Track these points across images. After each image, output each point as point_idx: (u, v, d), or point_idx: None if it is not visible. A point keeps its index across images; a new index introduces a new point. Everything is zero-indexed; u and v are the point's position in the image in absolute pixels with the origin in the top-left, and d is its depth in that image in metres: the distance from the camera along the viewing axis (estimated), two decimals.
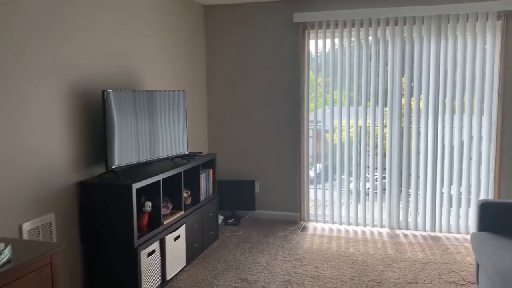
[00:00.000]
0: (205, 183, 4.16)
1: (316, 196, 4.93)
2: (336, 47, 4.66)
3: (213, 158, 4.32)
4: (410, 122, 4.54)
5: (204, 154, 4.36)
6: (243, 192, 4.98)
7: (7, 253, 2.00)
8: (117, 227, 2.95)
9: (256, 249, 4.06)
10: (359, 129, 4.66)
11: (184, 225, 3.62)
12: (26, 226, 2.56)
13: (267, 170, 5.02)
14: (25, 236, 2.54)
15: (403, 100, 4.56)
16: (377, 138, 4.65)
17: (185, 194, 3.81)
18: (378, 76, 4.57)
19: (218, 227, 4.43)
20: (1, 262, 1.95)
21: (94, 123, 3.15)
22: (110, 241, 2.98)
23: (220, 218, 4.78)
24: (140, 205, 3.18)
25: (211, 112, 5.17)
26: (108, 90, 3.03)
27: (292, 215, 4.95)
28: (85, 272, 3.06)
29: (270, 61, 4.88)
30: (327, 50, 4.66)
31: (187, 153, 3.99)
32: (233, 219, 4.89)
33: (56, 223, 2.80)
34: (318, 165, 5.05)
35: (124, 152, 3.20)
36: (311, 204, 4.98)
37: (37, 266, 2.09)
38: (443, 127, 4.44)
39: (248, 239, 4.34)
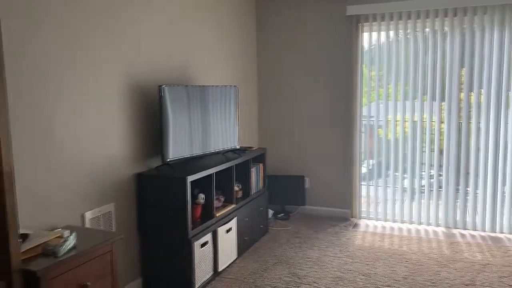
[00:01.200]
0: (256, 177, 4.19)
1: (369, 193, 4.83)
2: (390, 39, 4.53)
3: (263, 153, 4.34)
4: (469, 117, 4.34)
5: (254, 148, 4.39)
6: (293, 187, 4.97)
7: (72, 240, 2.12)
8: (172, 218, 3.05)
9: (306, 244, 4.05)
10: (414, 124, 4.52)
11: (235, 218, 3.68)
12: (88, 215, 2.70)
13: (317, 165, 4.98)
14: (87, 224, 2.68)
15: (462, 94, 4.37)
16: (433, 134, 4.48)
17: (236, 188, 3.86)
18: (435, 69, 4.40)
19: (267, 221, 4.46)
20: (67, 248, 2.07)
21: (150, 117, 3.26)
22: (165, 231, 3.08)
23: (270, 212, 4.80)
24: (194, 197, 3.26)
25: (262, 107, 5.20)
26: (164, 86, 3.12)
27: (342, 212, 4.89)
28: (141, 260, 3.18)
29: (322, 55, 4.82)
30: (381, 43, 4.54)
31: (238, 147, 4.04)
32: (282, 214, 4.90)
33: (115, 212, 2.93)
34: (370, 161, 4.94)
35: (178, 146, 3.29)
36: (363, 201, 4.88)
37: (99, 253, 2.20)
38: (506, 123, 4.20)
39: (297, 234, 4.33)
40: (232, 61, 4.57)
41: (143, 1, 3.16)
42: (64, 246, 2.05)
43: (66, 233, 2.25)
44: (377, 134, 4.73)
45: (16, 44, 2.22)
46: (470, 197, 4.42)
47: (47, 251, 2.03)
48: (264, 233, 4.33)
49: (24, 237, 2.09)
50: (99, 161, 2.81)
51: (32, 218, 2.32)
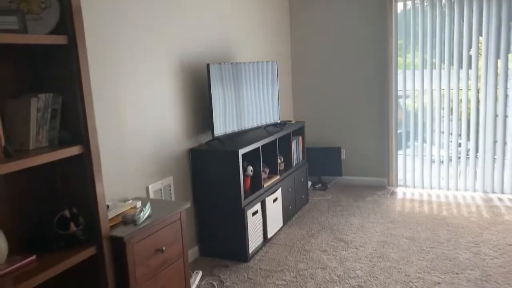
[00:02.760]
0: (296, 149, 4.34)
1: (405, 161, 4.93)
2: (425, 5, 4.53)
3: (302, 126, 4.47)
4: (496, 84, 4.36)
5: (293, 122, 4.52)
6: (329, 158, 5.10)
7: (147, 209, 2.32)
8: (225, 189, 3.23)
9: (347, 212, 4.21)
10: (450, 93, 4.56)
11: (280, 189, 3.85)
12: (152, 187, 2.91)
13: (353, 136, 5.09)
14: (152, 195, 2.89)
15: (499, 62, 4.37)
16: (470, 102, 4.52)
17: (279, 160, 4.02)
18: (470, 37, 4.40)
19: (308, 191, 4.62)
20: (144, 217, 2.27)
21: (198, 95, 3.41)
22: (219, 201, 3.27)
23: (308, 183, 4.96)
24: (242, 170, 3.43)
25: (296, 80, 5.29)
26: (211, 64, 3.26)
27: (379, 181, 5.01)
28: (197, 229, 3.40)
29: (356, 25, 4.87)
30: (410, 10, 4.55)
31: (278, 121, 4.17)
32: (320, 185, 5.05)
33: (174, 185, 3.13)
34: (402, 130, 5.02)
35: (226, 121, 3.44)
36: (400, 169, 4.99)
37: (171, 221, 2.40)
38: None
39: (337, 203, 4.49)
40: (268, 36, 4.66)
41: None
42: (141, 215, 2.25)
43: (138, 204, 2.45)
44: (413, 102, 4.79)
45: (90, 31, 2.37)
46: (508, 162, 4.47)
47: (127, 220, 2.24)
48: (305, 203, 4.50)
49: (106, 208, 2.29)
50: (159, 138, 2.99)
51: (107, 191, 2.52)
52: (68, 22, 1.85)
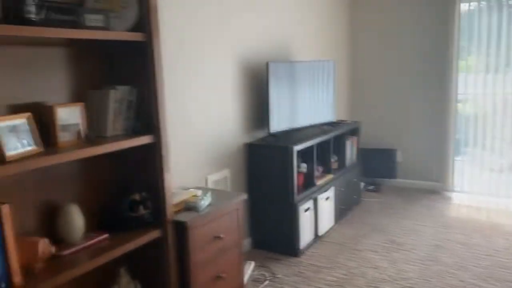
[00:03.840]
0: (350, 149, 4.35)
1: (463, 167, 4.79)
2: (491, 6, 4.38)
3: (357, 126, 4.47)
4: None
5: (348, 122, 4.53)
6: (384, 160, 5.06)
7: (208, 198, 2.45)
8: (278, 184, 3.32)
9: (400, 215, 4.17)
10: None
11: (332, 188, 3.88)
12: (211, 178, 3.05)
13: (409, 138, 5.02)
14: (210, 185, 3.03)
15: None
16: None
17: (332, 159, 4.05)
18: None
19: (360, 192, 4.61)
20: (205, 204, 2.41)
21: (255, 92, 3.52)
22: (272, 196, 3.37)
23: (361, 184, 4.94)
24: (296, 167, 3.50)
25: (352, 79, 5.29)
26: (270, 62, 3.36)
27: (435, 185, 4.91)
28: (250, 221, 3.51)
29: (417, 25, 4.79)
30: (475, 11, 4.42)
31: (334, 120, 4.20)
32: (373, 186, 5.02)
33: (230, 177, 3.26)
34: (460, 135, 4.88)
35: (281, 118, 3.53)
36: (457, 174, 4.86)
37: (229, 210, 2.52)
38: None
39: (390, 205, 4.46)
40: (326, 35, 4.69)
41: None
42: (203, 202, 2.38)
43: (199, 192, 2.59)
44: (474, 106, 4.65)
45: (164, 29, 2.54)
46: None
47: (189, 206, 2.38)
48: (357, 203, 4.50)
49: None
50: (219, 132, 3.13)
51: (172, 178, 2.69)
52: (145, 21, 2.01)
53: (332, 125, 4.15)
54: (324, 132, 3.85)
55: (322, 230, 3.70)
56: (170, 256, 2.19)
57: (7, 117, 1.63)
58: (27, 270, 1.67)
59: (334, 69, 4.13)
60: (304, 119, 3.81)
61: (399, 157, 5.08)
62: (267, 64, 3.34)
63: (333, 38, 4.86)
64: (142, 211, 2.11)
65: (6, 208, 1.55)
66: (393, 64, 4.99)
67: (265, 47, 3.63)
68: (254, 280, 3.01)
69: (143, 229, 2.10)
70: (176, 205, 2.37)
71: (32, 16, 1.61)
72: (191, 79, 2.85)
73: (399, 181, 5.12)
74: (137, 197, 2.11)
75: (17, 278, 1.59)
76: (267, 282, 2.98)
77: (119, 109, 2.05)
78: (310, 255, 3.37)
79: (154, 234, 2.12)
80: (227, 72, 3.20)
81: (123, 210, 2.08)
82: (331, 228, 3.86)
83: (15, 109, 1.78)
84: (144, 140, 2.06)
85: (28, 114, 1.71)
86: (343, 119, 4.97)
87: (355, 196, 4.44)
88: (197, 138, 2.94)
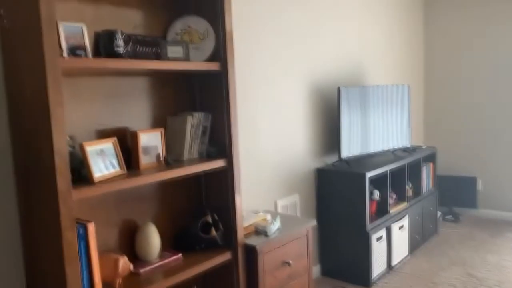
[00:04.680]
0: (426, 176, 4.16)
1: None
2: None
3: (434, 152, 4.28)
4: None
5: (424, 147, 4.36)
6: (463, 188, 4.77)
7: (278, 222, 2.47)
8: (350, 211, 3.25)
9: (481, 248, 3.89)
10: None
11: (407, 216, 3.72)
12: (280, 202, 3.07)
13: (491, 166, 4.70)
14: (279, 210, 3.05)
15: None
16: None
17: (407, 187, 3.90)
18: None
19: (437, 222, 4.38)
20: (275, 229, 2.42)
21: (326, 116, 3.52)
22: (343, 223, 3.30)
23: (438, 213, 4.69)
24: (369, 194, 3.41)
25: (428, 104, 5.09)
26: (342, 87, 3.35)
27: None
28: (320, 248, 3.46)
29: (494, 50, 4.54)
30: None
31: (408, 146, 4.06)
32: (451, 216, 4.74)
33: (300, 202, 3.26)
34: None
35: (353, 143, 3.48)
36: None
37: (298, 236, 2.51)
38: None
39: (471, 237, 4.17)
40: (400, 58, 4.59)
41: (322, 9, 3.43)
42: (272, 227, 2.40)
43: (268, 216, 2.62)
44: None
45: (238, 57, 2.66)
46: None
47: (259, 230, 2.41)
48: (433, 233, 4.27)
49: None
50: (289, 156, 3.16)
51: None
52: (221, 51, 2.11)
53: (406, 151, 4.01)
54: (398, 158, 3.73)
55: (395, 261, 3.54)
56: (240, 279, 2.22)
57: (96, 141, 1.78)
58: (107, 285, 1.78)
59: (409, 93, 4.01)
60: (377, 145, 3.72)
61: (479, 185, 4.76)
62: (338, 89, 3.33)
63: (408, 61, 4.74)
64: (213, 233, 2.17)
65: (91, 226, 1.68)
66: (471, 85, 4.74)
67: (336, 71, 3.63)
68: None
69: (214, 251, 2.16)
70: (246, 228, 2.40)
71: (120, 50, 1.76)
72: (261, 104, 2.92)
73: (480, 211, 4.78)
74: (209, 219, 2.18)
75: None
76: None
77: (195, 134, 2.15)
78: (382, 287, 3.24)
79: (225, 257, 2.17)
80: (297, 96, 3.23)
81: (196, 231, 2.15)
82: (405, 259, 3.69)
83: (102, 134, 1.94)
84: (217, 164, 2.14)
85: (113, 138, 1.85)
86: (418, 144, 4.78)
87: (431, 226, 4.22)
88: (267, 162, 2.99)
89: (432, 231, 4.24)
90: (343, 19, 3.68)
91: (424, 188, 4.10)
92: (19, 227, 1.77)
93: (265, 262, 2.29)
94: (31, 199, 1.68)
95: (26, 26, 1.52)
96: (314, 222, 2.63)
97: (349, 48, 3.78)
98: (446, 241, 4.09)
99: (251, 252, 2.25)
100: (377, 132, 3.72)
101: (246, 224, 2.45)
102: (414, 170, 3.98)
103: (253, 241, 2.30)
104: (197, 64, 2.05)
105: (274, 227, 2.43)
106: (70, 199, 1.54)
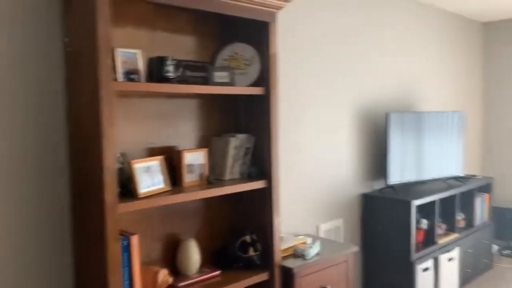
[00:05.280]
0: (480, 207, 3.98)
1: None
2: None
3: (490, 182, 4.09)
4: None
5: (479, 177, 4.17)
6: None
7: (317, 246, 2.47)
8: (395, 239, 3.18)
9: None
10: None
11: (457, 248, 3.57)
12: (322, 226, 3.06)
13: None
14: (321, 234, 3.04)
15: None
16: None
17: (458, 217, 3.74)
18: None
19: (492, 256, 4.14)
20: (314, 253, 2.43)
21: (373, 142, 3.48)
22: (387, 251, 3.23)
23: (494, 247, 4.44)
24: (416, 222, 3.32)
25: (485, 131, 4.88)
26: (390, 113, 3.31)
27: None
28: (364, 274, 3.39)
29: None
30: None
31: (461, 175, 3.91)
32: (509, 251, 4.47)
33: (343, 227, 3.23)
34: None
35: (401, 170, 3.41)
36: None
37: (338, 261, 2.50)
38: None
39: None
40: (456, 85, 4.46)
41: (370, 33, 3.44)
42: (311, 250, 2.41)
43: (308, 240, 2.62)
44: None
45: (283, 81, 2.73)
46: None
47: (297, 253, 2.42)
48: (487, 269, 4.04)
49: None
50: (333, 181, 3.15)
51: (282, 224, 2.77)
52: (265, 76, 2.19)
53: (459, 179, 3.86)
54: (449, 187, 3.61)
55: None
56: None
57: (144, 159, 1.90)
58: None
59: (464, 120, 3.88)
60: (426, 172, 3.62)
61: None
62: (386, 115, 3.30)
63: (464, 87, 4.59)
64: (251, 252, 2.22)
65: (135, 239, 1.79)
66: None
67: (385, 95, 3.60)
68: None
69: (252, 270, 2.20)
70: (285, 250, 2.43)
71: (171, 75, 1.89)
72: (306, 127, 2.96)
73: None
74: (247, 238, 2.23)
75: None
76: None
77: (237, 155, 2.23)
78: None
79: (262, 277, 2.21)
80: (344, 121, 3.24)
81: (234, 249, 2.21)
82: None
83: (152, 152, 2.07)
84: (258, 185, 2.19)
85: (160, 157, 1.97)
86: (473, 174, 4.58)
87: (486, 260, 4.00)
88: (311, 186, 3.00)
89: (486, 266, 4.02)
90: (395, 44, 3.66)
91: (477, 220, 3.92)
92: (70, 237, 1.91)
93: (302, 285, 2.30)
94: (83, 212, 1.81)
95: (86, 52, 1.68)
96: (355, 248, 2.61)
97: (399, 73, 3.74)
98: (501, 277, 3.86)
99: (288, 274, 2.27)
100: (428, 159, 3.63)
101: (285, 246, 2.47)
102: (466, 200, 3.83)
103: (291, 263, 2.32)
104: (242, 89, 2.14)
105: (313, 250, 2.43)
106: (116, 212, 1.66)
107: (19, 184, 1.76)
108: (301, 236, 2.71)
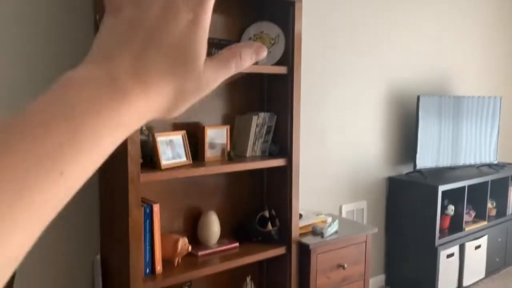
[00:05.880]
0: None
1: None
2: None
3: None
4: None
5: None
6: None
7: (335, 225, 2.51)
8: (419, 224, 3.16)
9: None
10: None
11: (486, 236, 3.50)
12: (345, 207, 3.09)
13: None
14: (344, 215, 3.07)
15: None
16: None
17: (489, 205, 3.66)
18: None
19: None
20: (332, 231, 2.47)
21: (402, 125, 3.43)
22: (411, 235, 3.22)
23: None
24: (443, 207, 3.28)
25: None
26: (422, 96, 3.25)
27: None
28: (386, 258, 3.40)
29: None
30: None
31: (495, 162, 3.80)
32: None
33: (367, 209, 3.24)
34: None
35: (430, 154, 3.36)
36: None
37: (356, 241, 2.53)
38: None
39: None
40: (495, 69, 4.29)
41: (408, 11, 3.36)
42: (329, 229, 2.45)
43: (329, 219, 2.66)
44: None
45: (308, 61, 2.74)
46: None
47: (316, 231, 2.47)
48: None
49: (299, 216, 2.58)
50: (357, 162, 3.16)
51: (305, 202, 2.82)
52: (289, 56, 2.22)
53: (492, 167, 3.76)
54: (481, 174, 3.52)
55: (468, 281, 3.36)
56: (292, 275, 2.31)
57: (167, 133, 1.99)
58: (166, 262, 1.98)
59: (500, 106, 3.75)
60: (457, 158, 3.54)
61: None
62: (417, 98, 3.25)
63: (503, 72, 4.41)
64: (270, 227, 2.29)
65: (156, 207, 1.89)
66: None
67: (417, 77, 3.52)
68: None
69: (270, 244, 2.28)
70: (304, 227, 2.48)
71: None
72: (332, 109, 2.96)
73: None
74: (266, 214, 2.30)
75: (158, 267, 1.92)
76: None
77: (259, 133, 2.28)
78: None
79: (279, 251, 2.28)
80: (371, 103, 3.21)
81: (253, 223, 2.29)
82: (479, 281, 3.48)
83: (176, 127, 2.15)
84: (278, 162, 2.25)
85: (183, 131, 2.05)
86: (508, 161, 4.43)
87: None
88: (335, 166, 3.02)
89: None
90: (433, 24, 3.55)
91: (510, 209, 3.81)
92: (99, 204, 2.04)
93: (318, 262, 2.35)
94: (108, 182, 1.93)
95: None
96: (374, 230, 2.63)
97: (435, 52, 3.63)
98: None
99: (304, 250, 2.33)
100: (460, 144, 3.55)
101: (304, 223, 2.53)
102: (499, 188, 3.72)
103: (308, 240, 2.37)
104: (267, 68, 2.18)
105: (332, 229, 2.47)
106: (138, 181, 1.76)
107: None
108: (322, 215, 2.75)
